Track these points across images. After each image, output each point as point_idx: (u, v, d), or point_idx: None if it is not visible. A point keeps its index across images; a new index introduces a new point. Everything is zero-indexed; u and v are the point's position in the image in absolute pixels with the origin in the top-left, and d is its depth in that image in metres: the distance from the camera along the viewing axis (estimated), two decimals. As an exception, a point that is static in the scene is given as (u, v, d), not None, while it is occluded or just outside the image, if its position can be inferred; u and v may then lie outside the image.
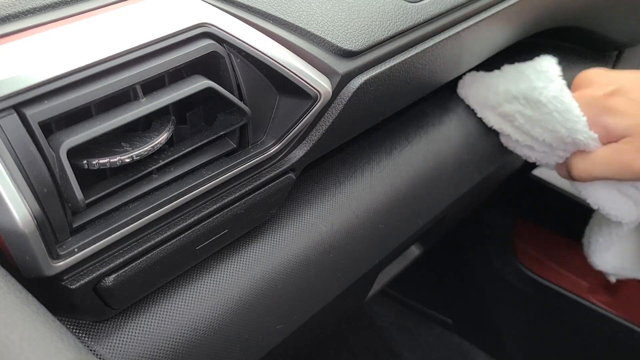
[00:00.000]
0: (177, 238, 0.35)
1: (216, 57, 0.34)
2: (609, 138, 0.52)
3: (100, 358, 0.34)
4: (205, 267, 0.40)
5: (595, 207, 0.59)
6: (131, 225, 0.32)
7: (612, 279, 0.71)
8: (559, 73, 0.54)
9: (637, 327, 0.86)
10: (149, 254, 0.34)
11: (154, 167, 0.34)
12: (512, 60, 0.73)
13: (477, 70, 0.62)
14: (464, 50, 0.52)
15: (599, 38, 0.77)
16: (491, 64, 0.66)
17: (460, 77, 0.62)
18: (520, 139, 0.59)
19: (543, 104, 0.53)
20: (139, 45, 0.31)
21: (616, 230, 0.62)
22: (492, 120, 0.60)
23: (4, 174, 0.26)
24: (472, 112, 0.62)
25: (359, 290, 0.63)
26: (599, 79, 0.54)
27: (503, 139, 0.63)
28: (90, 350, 0.34)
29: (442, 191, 0.58)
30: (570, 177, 0.56)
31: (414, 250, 0.84)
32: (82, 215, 0.31)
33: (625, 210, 0.58)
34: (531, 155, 0.60)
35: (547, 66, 0.55)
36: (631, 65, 0.83)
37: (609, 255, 0.65)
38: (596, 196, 0.58)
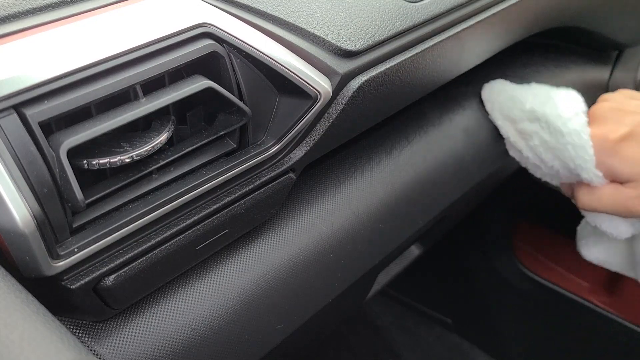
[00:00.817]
0: (177, 238, 0.35)
1: (216, 57, 0.34)
2: (614, 178, 0.53)
3: (100, 358, 0.34)
4: (205, 267, 0.40)
5: (593, 224, 0.61)
6: (131, 225, 0.32)
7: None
8: (585, 109, 0.55)
9: (637, 327, 0.86)
10: (149, 254, 0.34)
11: (154, 167, 0.33)
12: (512, 61, 0.73)
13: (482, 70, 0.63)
14: (464, 51, 0.52)
15: (599, 38, 0.77)
16: (491, 63, 0.66)
17: (482, 77, 0.62)
18: (530, 157, 0.60)
19: (563, 134, 0.54)
20: (139, 45, 0.31)
21: (604, 229, 0.64)
22: (509, 133, 0.61)
23: (4, 174, 0.26)
24: (472, 112, 0.62)
25: (359, 290, 0.63)
26: (615, 116, 0.54)
27: (508, 147, 0.64)
28: (90, 350, 0.34)
29: (442, 191, 0.58)
30: (575, 202, 0.58)
31: (414, 250, 0.84)
32: (82, 215, 0.31)
33: (621, 229, 0.60)
34: (536, 172, 0.62)
35: (576, 98, 0.56)
36: (631, 65, 0.83)
37: (598, 251, 0.67)
38: (594, 217, 0.60)
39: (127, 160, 0.31)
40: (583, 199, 0.56)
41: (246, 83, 0.36)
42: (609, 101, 0.56)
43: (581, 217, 0.67)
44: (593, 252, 0.67)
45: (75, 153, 0.30)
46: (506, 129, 0.61)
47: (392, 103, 0.48)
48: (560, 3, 0.62)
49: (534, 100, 0.58)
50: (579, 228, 0.68)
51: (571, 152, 0.54)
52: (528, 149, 0.60)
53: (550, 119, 0.55)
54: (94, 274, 0.31)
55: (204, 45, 0.33)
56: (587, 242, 0.67)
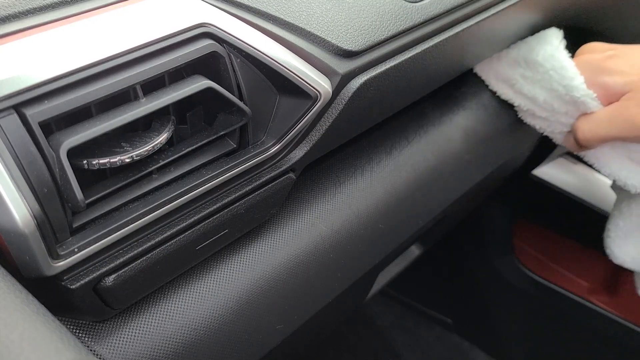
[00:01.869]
0: (177, 238, 0.35)
1: (216, 57, 0.34)
2: (609, 98, 0.53)
3: (100, 358, 0.34)
4: (205, 267, 0.40)
5: (611, 178, 0.60)
6: (131, 225, 0.32)
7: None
8: (557, 36, 0.57)
9: (637, 327, 0.86)
10: (149, 254, 0.34)
11: (154, 167, 0.33)
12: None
13: None
14: (464, 51, 0.52)
15: (598, 38, 0.77)
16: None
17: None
18: (521, 104, 0.61)
19: (540, 63, 0.55)
20: (139, 46, 0.31)
21: (637, 211, 0.62)
22: (495, 86, 0.63)
23: (4, 174, 0.26)
24: (472, 112, 0.62)
25: (359, 290, 0.63)
26: (599, 47, 0.56)
27: (521, 115, 0.65)
28: (90, 350, 0.34)
29: (442, 191, 0.58)
30: (578, 144, 0.56)
31: (414, 250, 0.84)
32: (82, 215, 0.31)
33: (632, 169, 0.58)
34: (535, 123, 0.62)
35: (548, 32, 0.58)
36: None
37: (629, 244, 0.64)
38: (610, 166, 0.59)
39: (127, 160, 0.31)
40: (583, 127, 0.54)
41: (246, 83, 0.36)
42: (591, 43, 0.58)
43: (582, 216, 0.67)
44: (626, 247, 0.64)
45: (75, 153, 0.30)
46: (492, 83, 0.63)
47: (392, 103, 0.48)
48: (560, 3, 0.62)
49: (510, 48, 0.60)
50: (605, 228, 0.67)
51: (555, 76, 0.54)
52: (516, 95, 0.61)
53: (526, 55, 0.57)
54: (94, 274, 0.31)
55: (204, 45, 0.33)
56: (617, 234, 0.64)
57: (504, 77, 0.61)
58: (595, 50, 0.57)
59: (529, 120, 0.63)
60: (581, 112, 0.55)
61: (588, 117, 0.54)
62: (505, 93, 0.62)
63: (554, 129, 0.60)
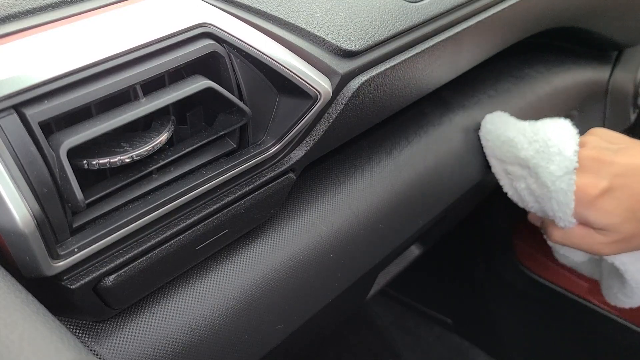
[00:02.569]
0: (177, 238, 0.35)
1: (216, 57, 0.34)
2: (586, 225, 0.56)
3: (100, 358, 0.34)
4: (205, 267, 0.40)
5: (558, 251, 0.68)
6: (131, 226, 0.32)
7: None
8: (576, 165, 0.55)
9: (637, 327, 0.86)
10: (149, 254, 0.34)
11: (154, 167, 0.33)
12: (512, 61, 0.73)
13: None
14: (464, 51, 0.52)
15: (598, 38, 0.77)
16: (491, 63, 0.66)
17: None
18: (510, 193, 0.63)
19: (549, 190, 0.55)
20: (139, 46, 0.31)
21: None
22: (496, 169, 0.62)
23: (4, 174, 0.26)
24: (472, 112, 0.62)
25: (359, 290, 0.63)
26: (595, 167, 0.55)
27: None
28: (90, 350, 0.34)
29: (442, 191, 0.58)
30: (545, 234, 0.62)
31: (414, 250, 0.83)
32: (82, 215, 0.31)
33: (579, 255, 0.67)
34: (512, 197, 0.63)
35: (572, 157, 0.55)
36: (631, 65, 0.83)
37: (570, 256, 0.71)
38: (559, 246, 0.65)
39: (127, 160, 0.31)
40: (555, 234, 0.59)
41: (246, 83, 0.36)
42: (588, 148, 0.56)
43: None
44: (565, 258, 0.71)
45: (75, 153, 0.30)
46: (495, 166, 0.62)
47: (392, 103, 0.48)
48: (560, 3, 0.62)
49: (529, 148, 0.57)
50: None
51: (554, 206, 0.56)
52: (510, 187, 0.62)
53: (540, 173, 0.56)
54: (94, 274, 0.31)
55: (204, 45, 0.33)
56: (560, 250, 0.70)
57: (510, 170, 0.60)
58: (592, 170, 0.55)
59: (510, 194, 0.63)
60: (549, 218, 0.58)
61: (561, 229, 0.58)
62: (500, 179, 0.63)
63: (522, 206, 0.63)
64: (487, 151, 0.62)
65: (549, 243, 0.67)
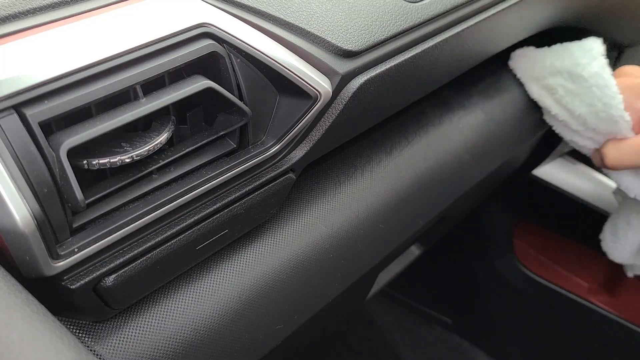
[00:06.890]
0: (177, 238, 0.35)
1: (216, 57, 0.34)
2: None
3: (100, 358, 0.34)
4: (205, 267, 0.40)
5: (616, 183, 0.63)
6: (131, 226, 0.32)
7: (630, 274, 0.73)
8: (602, 52, 0.58)
9: (637, 327, 0.86)
10: (149, 254, 0.34)
11: (154, 167, 0.33)
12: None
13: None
14: (464, 51, 0.52)
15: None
16: (491, 63, 0.66)
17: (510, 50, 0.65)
18: (558, 113, 0.62)
19: (585, 78, 0.57)
20: (139, 46, 0.31)
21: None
22: (536, 93, 0.64)
23: (4, 174, 0.26)
24: (472, 112, 0.62)
25: (359, 290, 0.63)
26: (638, 71, 0.57)
27: (545, 114, 0.67)
28: (90, 350, 0.34)
29: (442, 191, 0.58)
30: (604, 165, 0.59)
31: (414, 250, 0.84)
32: (82, 215, 0.31)
33: None
34: (565, 134, 0.64)
35: (592, 45, 0.59)
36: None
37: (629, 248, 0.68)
38: (627, 182, 0.62)
39: (127, 160, 0.31)
40: (611, 154, 0.57)
41: (246, 83, 0.36)
42: (629, 66, 0.58)
43: (583, 216, 0.67)
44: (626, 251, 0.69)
45: (75, 153, 0.30)
46: (532, 90, 0.64)
47: (392, 103, 0.48)
48: (560, 3, 0.62)
49: (553, 56, 0.61)
50: (606, 230, 0.69)
51: (596, 93, 0.56)
52: (555, 104, 0.62)
53: (571, 68, 0.58)
54: (94, 274, 0.31)
55: (204, 46, 0.33)
56: (626, 242, 0.68)
57: (545, 85, 0.62)
58: (634, 74, 0.57)
59: (559, 129, 0.65)
60: (612, 134, 0.57)
61: (617, 144, 0.56)
62: (543, 101, 0.64)
63: (584, 144, 0.63)
64: (522, 78, 0.64)
65: (606, 230, 0.66)
